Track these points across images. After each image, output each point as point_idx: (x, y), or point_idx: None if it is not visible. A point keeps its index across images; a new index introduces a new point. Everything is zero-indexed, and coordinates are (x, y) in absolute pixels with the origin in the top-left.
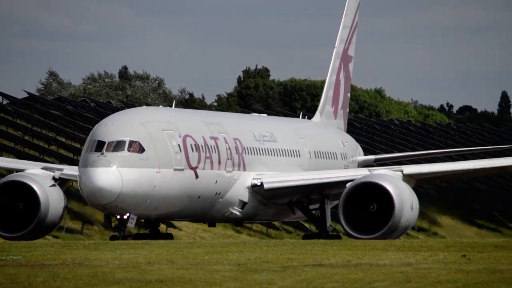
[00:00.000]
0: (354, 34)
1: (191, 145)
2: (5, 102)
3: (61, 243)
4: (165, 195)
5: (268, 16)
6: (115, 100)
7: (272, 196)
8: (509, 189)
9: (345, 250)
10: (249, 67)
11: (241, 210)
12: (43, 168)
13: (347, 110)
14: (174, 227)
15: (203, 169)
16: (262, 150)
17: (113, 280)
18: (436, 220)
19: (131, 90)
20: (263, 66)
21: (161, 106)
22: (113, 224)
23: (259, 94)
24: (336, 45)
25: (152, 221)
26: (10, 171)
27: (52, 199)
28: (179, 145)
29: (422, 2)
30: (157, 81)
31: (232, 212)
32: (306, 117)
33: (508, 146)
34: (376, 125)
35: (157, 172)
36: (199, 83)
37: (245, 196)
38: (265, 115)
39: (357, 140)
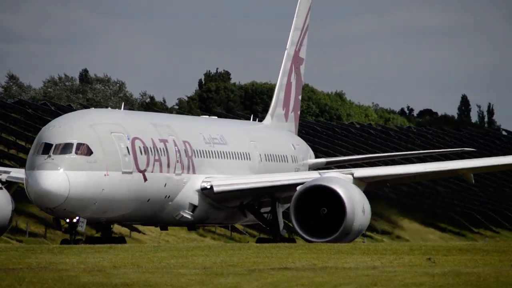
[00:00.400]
0: (306, 36)
1: (139, 147)
2: None
3: (25, 247)
4: (113, 198)
5: (229, 19)
6: (76, 103)
7: (223, 199)
8: (469, 192)
9: (311, 254)
10: (209, 71)
11: (191, 213)
12: None
13: (298, 112)
14: (138, 231)
15: (152, 172)
16: (212, 153)
17: (78, 284)
18: (399, 224)
19: (92, 93)
20: (224, 70)
21: (109, 108)
22: (62, 228)
23: (220, 97)
24: (287, 47)
25: (103, 224)
26: None
27: None
28: (127, 147)
29: (383, 5)
30: (118, 84)
31: (183, 216)
32: (257, 119)
33: (451, 150)
34: (337, 128)
35: (105, 175)
36: (160, 87)
37: (195, 199)
38: (215, 117)
39: (318, 144)
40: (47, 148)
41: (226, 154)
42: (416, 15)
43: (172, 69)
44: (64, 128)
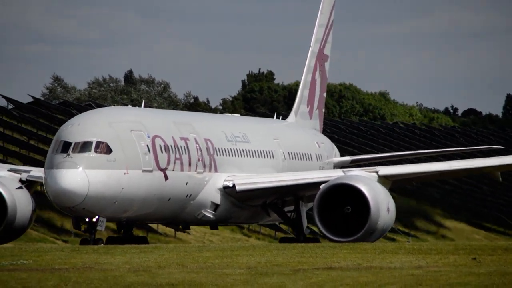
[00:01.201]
0: (330, 33)
1: (160, 146)
2: (10, 106)
3: (71, 247)
4: (133, 197)
5: (272, 20)
6: (120, 104)
7: (245, 198)
8: None
9: (355, 253)
10: (252, 71)
11: (213, 212)
12: (10, 170)
13: (323, 110)
14: (183, 231)
15: (173, 170)
16: (235, 151)
17: (124, 284)
18: (443, 224)
19: (136, 94)
20: (267, 70)
21: (129, 106)
22: (82, 228)
23: (264, 97)
24: (311, 44)
25: (124, 224)
26: None
27: (19, 202)
28: (147, 146)
29: (427, 6)
30: (162, 85)
31: (204, 215)
32: (281, 117)
33: (478, 148)
34: (381, 128)
35: (125, 173)
36: (204, 87)
37: (217, 198)
38: (238, 115)
39: (362, 144)
40: (66, 147)
41: (249, 152)
42: (460, 15)
43: (216, 70)
44: (83, 126)
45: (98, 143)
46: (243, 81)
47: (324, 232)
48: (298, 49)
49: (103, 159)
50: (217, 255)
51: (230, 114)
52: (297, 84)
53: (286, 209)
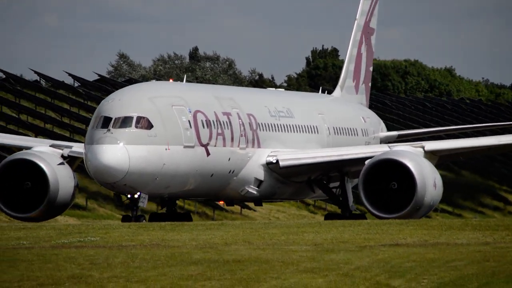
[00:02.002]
0: (376, 5)
1: (202, 121)
2: (76, 84)
3: (138, 225)
4: (175, 173)
5: None
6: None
7: (289, 174)
8: None
9: (422, 230)
10: (316, 48)
11: (257, 188)
12: (52, 146)
13: (369, 84)
14: (249, 208)
15: (215, 146)
16: (278, 126)
17: (190, 260)
18: (510, 200)
19: (201, 71)
20: (332, 46)
21: (171, 81)
22: (124, 204)
23: (329, 74)
24: (357, 17)
25: (166, 200)
26: (19, 149)
27: (61, 178)
28: (189, 121)
29: None
30: (227, 62)
31: (248, 191)
32: (326, 92)
33: None
34: (447, 104)
35: (166, 149)
36: (269, 64)
37: (260, 174)
38: (282, 89)
39: (427, 120)
40: (106, 122)
41: (293, 127)
42: None
43: (280, 47)
44: (124, 101)
45: (139, 118)
46: (307, 58)
47: (369, 208)
48: None
49: (143, 135)
50: (283, 232)
51: (273, 89)
52: None
53: (332, 185)
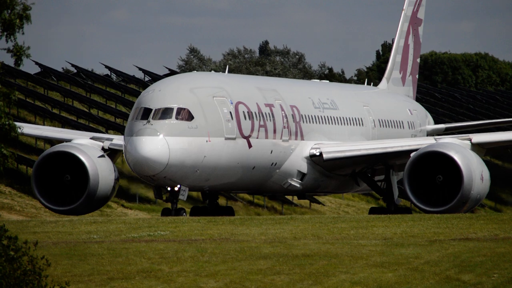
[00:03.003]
0: None
1: (243, 112)
2: (147, 79)
3: (207, 219)
4: (216, 165)
5: None
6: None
7: (333, 166)
8: None
9: (492, 224)
10: (386, 41)
11: (300, 181)
12: (92, 138)
13: (417, 76)
14: (318, 202)
15: (257, 138)
16: (322, 118)
17: (260, 254)
18: None
19: (271, 65)
20: None
21: (212, 71)
22: (164, 197)
23: None
24: (404, 7)
25: (207, 194)
26: (59, 141)
27: (101, 171)
28: (230, 112)
29: None
30: (297, 56)
31: (291, 184)
32: (372, 84)
33: None
34: None
35: (207, 141)
36: (339, 58)
37: (303, 167)
38: (327, 81)
39: (500, 115)
40: (146, 113)
41: (337, 119)
42: None
43: (351, 41)
44: (164, 92)
45: (179, 110)
46: (377, 52)
47: (415, 201)
48: (434, 18)
49: (184, 126)
50: (352, 226)
51: (318, 80)
52: (432, 54)
53: (376, 178)
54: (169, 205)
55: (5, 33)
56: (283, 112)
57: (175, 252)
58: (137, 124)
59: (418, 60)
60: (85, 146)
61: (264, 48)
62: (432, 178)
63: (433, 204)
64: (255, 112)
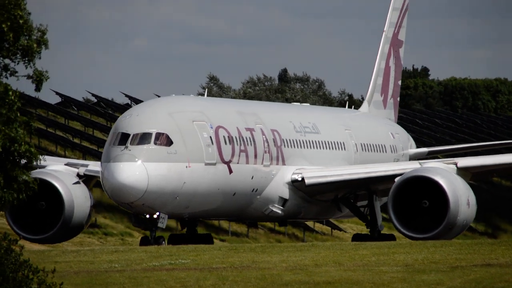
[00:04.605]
0: (405, 17)
1: (224, 137)
2: None
3: (228, 246)
4: (196, 192)
5: (426, 16)
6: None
7: (315, 192)
8: None
9: None
10: (406, 67)
11: (282, 208)
12: (67, 164)
13: (398, 99)
14: (339, 229)
15: (238, 163)
16: (303, 143)
17: (281, 282)
18: None
19: (290, 92)
20: (422, 66)
21: (191, 95)
22: (142, 225)
23: (419, 94)
24: (385, 29)
25: (186, 221)
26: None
27: (76, 198)
28: (210, 137)
29: None
30: (317, 83)
31: (272, 210)
32: (353, 106)
33: None
34: None
35: (186, 166)
36: (358, 84)
37: (285, 193)
38: (307, 104)
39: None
40: (124, 138)
41: (319, 143)
42: None
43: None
44: (142, 116)
45: (158, 135)
46: None
47: (399, 227)
48: (454, 43)
49: (163, 152)
50: (374, 252)
51: (299, 104)
52: (452, 80)
53: (359, 203)
54: (147, 233)
55: (24, 59)
56: (264, 136)
57: (196, 280)
58: (115, 150)
59: (399, 82)
60: (60, 172)
61: (283, 75)
62: (417, 203)
63: (418, 230)
64: (235, 137)
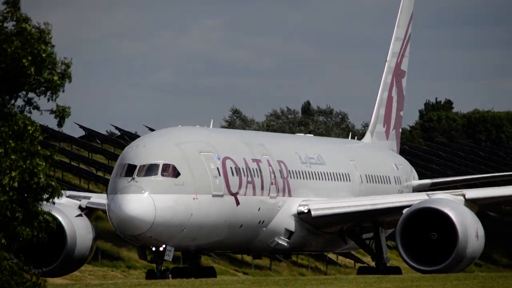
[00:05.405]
0: (408, 46)
1: (231, 168)
2: None
3: (251, 280)
4: (203, 224)
5: (452, 48)
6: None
7: (321, 224)
8: None
9: None
10: (429, 100)
11: (288, 240)
12: (69, 197)
13: (400, 130)
14: (363, 262)
15: (245, 195)
16: (309, 174)
17: None
18: None
19: (314, 125)
20: (445, 99)
21: (198, 126)
22: (148, 257)
23: (442, 126)
24: (387, 59)
25: (191, 254)
26: None
27: (79, 231)
28: (218, 168)
29: None
30: (340, 116)
31: (278, 243)
32: (356, 138)
33: None
34: None
35: (194, 198)
36: None
37: (291, 225)
38: (311, 135)
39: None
40: (130, 170)
41: (324, 175)
42: None
43: None
44: (149, 147)
45: (165, 166)
46: (420, 111)
47: (408, 260)
48: (477, 76)
49: (170, 183)
50: (397, 286)
51: (302, 134)
52: (475, 112)
53: (364, 236)
54: (153, 266)
55: (47, 93)
56: (270, 167)
57: None
58: (121, 181)
59: (402, 113)
60: (62, 205)
61: (306, 108)
62: (424, 235)
63: (426, 263)
64: (242, 168)
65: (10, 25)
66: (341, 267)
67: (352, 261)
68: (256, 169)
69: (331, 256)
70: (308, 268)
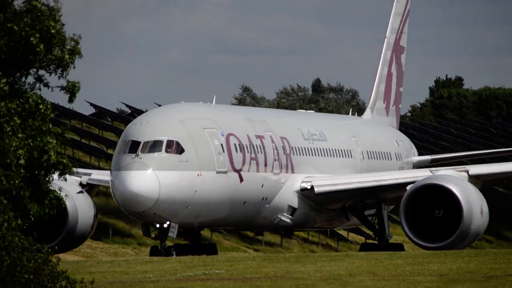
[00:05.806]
0: (406, 22)
1: (235, 144)
2: None
3: (262, 256)
4: (207, 200)
5: (462, 25)
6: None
7: (324, 200)
8: None
9: None
10: (439, 77)
11: (291, 216)
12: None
13: (400, 106)
14: (373, 238)
15: (248, 171)
16: (312, 150)
17: None
18: None
19: (324, 102)
20: (456, 76)
21: (201, 102)
22: (152, 234)
23: (453, 103)
24: (386, 35)
25: (193, 230)
26: None
27: (80, 207)
28: (221, 144)
29: None
30: (350, 93)
31: (281, 219)
32: (356, 114)
33: None
34: None
35: (198, 175)
36: None
37: (294, 201)
38: (312, 111)
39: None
40: (134, 146)
41: (327, 151)
42: None
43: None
44: (153, 124)
45: (169, 142)
46: (431, 88)
47: (411, 237)
48: (488, 51)
49: (174, 160)
50: (408, 262)
51: (303, 111)
52: (487, 89)
53: (367, 212)
54: (157, 242)
55: (58, 70)
56: (273, 144)
57: None
58: (125, 158)
59: (401, 89)
60: (63, 182)
61: (317, 86)
62: (428, 212)
63: (430, 240)
64: (246, 144)
65: (20, 2)
66: (352, 244)
67: (363, 238)
68: (260, 145)
69: (342, 232)
70: (318, 245)
